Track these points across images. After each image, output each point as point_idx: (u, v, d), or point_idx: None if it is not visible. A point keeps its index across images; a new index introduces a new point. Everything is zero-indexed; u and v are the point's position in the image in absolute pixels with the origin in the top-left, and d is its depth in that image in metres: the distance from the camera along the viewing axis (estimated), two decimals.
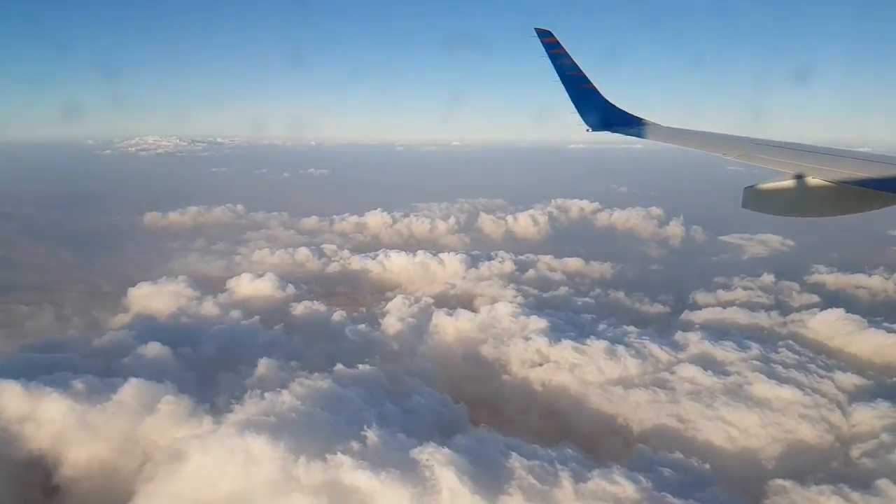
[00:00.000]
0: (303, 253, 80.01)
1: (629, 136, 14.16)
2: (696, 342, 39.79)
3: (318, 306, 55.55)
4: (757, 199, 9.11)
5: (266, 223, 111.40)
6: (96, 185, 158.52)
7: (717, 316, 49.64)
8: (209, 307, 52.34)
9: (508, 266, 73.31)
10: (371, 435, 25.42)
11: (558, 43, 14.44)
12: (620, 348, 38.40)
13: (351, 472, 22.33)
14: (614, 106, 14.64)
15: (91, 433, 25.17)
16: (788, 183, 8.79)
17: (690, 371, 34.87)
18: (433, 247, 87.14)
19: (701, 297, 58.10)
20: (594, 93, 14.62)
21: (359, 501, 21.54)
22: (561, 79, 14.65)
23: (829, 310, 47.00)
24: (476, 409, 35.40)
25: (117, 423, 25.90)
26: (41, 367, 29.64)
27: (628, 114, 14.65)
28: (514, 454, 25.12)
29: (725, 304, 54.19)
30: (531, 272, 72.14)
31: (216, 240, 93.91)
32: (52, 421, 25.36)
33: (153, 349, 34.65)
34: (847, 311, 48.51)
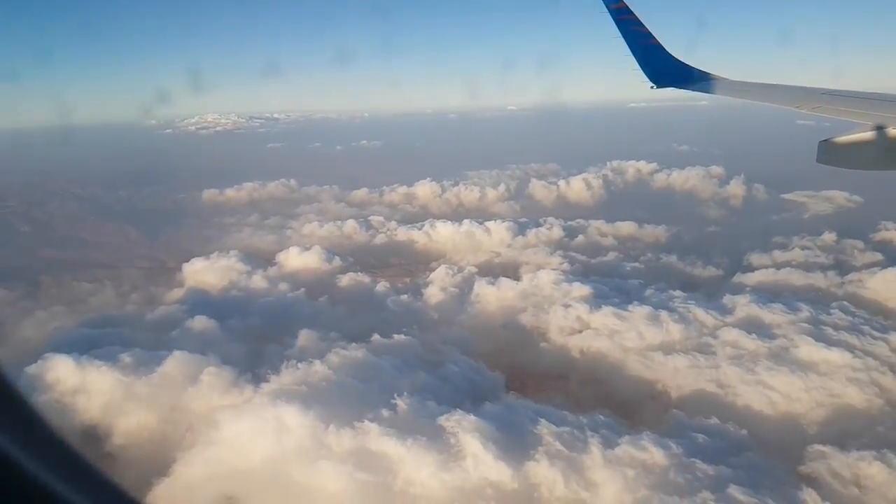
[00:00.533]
0: (350, 225, 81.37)
1: (694, 92, 13.89)
2: (743, 305, 38.42)
3: (363, 278, 56.71)
4: (833, 153, 8.73)
5: (318, 197, 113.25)
6: (159, 164, 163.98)
7: (770, 278, 47.66)
8: (258, 280, 54.20)
9: (557, 232, 72.32)
10: (401, 403, 25.94)
11: None
12: (663, 313, 37.48)
13: (378, 439, 22.92)
14: (679, 61, 14.21)
15: (138, 404, 26.76)
16: (868, 135, 8.41)
17: (733, 335, 33.77)
18: (482, 215, 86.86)
19: (756, 258, 55.80)
20: (658, 48, 14.21)
21: (385, 467, 22.11)
22: (623, 35, 14.28)
23: (891, 268, 44.31)
24: (513, 377, 35.52)
25: (162, 394, 27.40)
26: (94, 341, 31.64)
27: (694, 68, 14.20)
28: (542, 421, 25.15)
29: (781, 266, 51.88)
30: (580, 238, 71.03)
31: (269, 214, 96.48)
32: (101, 393, 27.05)
33: (200, 322, 36.25)
34: None
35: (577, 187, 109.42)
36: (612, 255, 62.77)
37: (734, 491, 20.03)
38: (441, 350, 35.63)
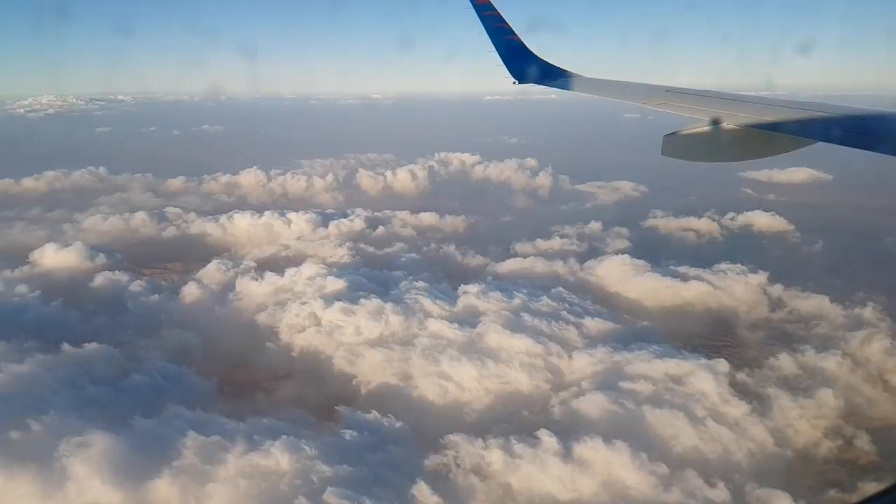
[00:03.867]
0: (139, 218, 75.68)
1: (551, 88, 14.32)
2: (469, 295, 39.56)
3: (121, 276, 52.32)
4: (676, 146, 9.18)
5: (128, 186, 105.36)
6: None
7: (518, 266, 50.00)
8: None
9: (358, 224, 72.24)
10: (35, 424, 23.54)
11: None
12: (389, 307, 37.54)
13: None
14: (539, 58, 14.63)
15: None
16: (705, 128, 8.94)
17: (438, 326, 34.46)
18: (305, 205, 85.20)
19: (520, 247, 58.49)
20: (520, 45, 14.55)
21: None
22: (487, 31, 14.60)
23: (615, 256, 48.05)
24: (231, 381, 34.17)
25: None
26: None
27: (553, 66, 14.67)
28: (191, 433, 23.83)
29: (541, 254, 54.73)
30: (381, 229, 71.23)
31: (58, 206, 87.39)
32: None
33: None
34: (647, 257, 50.53)
35: (403, 178, 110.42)
36: (397, 247, 63.29)
37: (330, 496, 19.90)
38: (143, 357, 33.32)
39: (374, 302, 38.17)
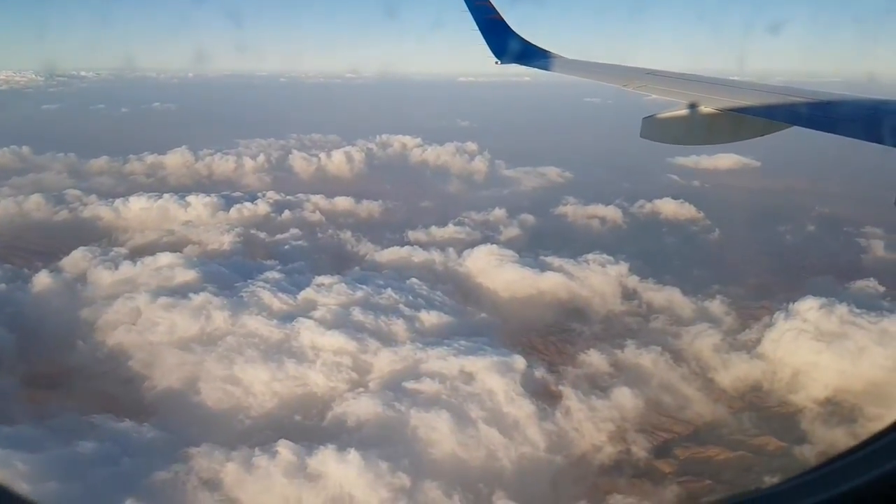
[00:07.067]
0: (34, 201, 72.35)
1: (521, 69, 14.55)
2: (313, 288, 37.53)
3: None
4: (654, 129, 9.38)
5: (47, 166, 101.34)
6: None
7: (397, 255, 48.13)
8: None
9: (263, 208, 70.17)
10: None
11: None
12: (217, 301, 35.18)
13: None
14: (521, 38, 14.72)
15: None
16: (683, 112, 9.08)
17: (255, 323, 32.35)
18: (228, 187, 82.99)
19: (414, 235, 56.66)
20: (503, 25, 14.68)
21: None
22: (469, 10, 14.70)
23: (482, 246, 46.45)
24: (29, 383, 31.81)
25: None
26: None
27: (535, 46, 14.75)
28: None
29: (431, 243, 52.98)
30: (287, 214, 69.05)
31: None
32: None
33: None
34: (534, 246, 49.27)
35: (338, 160, 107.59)
36: (291, 233, 61.27)
37: None
38: None
39: (202, 296, 35.80)
